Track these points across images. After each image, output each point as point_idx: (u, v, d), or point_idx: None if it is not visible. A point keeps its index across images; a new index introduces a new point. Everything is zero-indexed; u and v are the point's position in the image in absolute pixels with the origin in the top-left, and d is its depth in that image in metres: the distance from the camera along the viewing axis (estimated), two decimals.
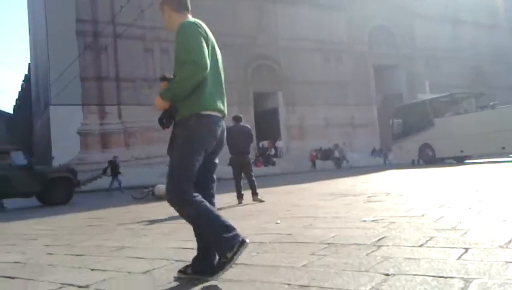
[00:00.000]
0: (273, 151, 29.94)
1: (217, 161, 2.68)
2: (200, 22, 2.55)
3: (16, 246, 4.68)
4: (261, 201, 7.60)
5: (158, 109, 2.52)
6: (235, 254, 2.32)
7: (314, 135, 31.38)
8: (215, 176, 2.69)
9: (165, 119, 2.49)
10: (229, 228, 2.37)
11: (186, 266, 2.58)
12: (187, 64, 2.36)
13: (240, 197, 7.80)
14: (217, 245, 2.38)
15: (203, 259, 2.52)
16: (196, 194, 2.41)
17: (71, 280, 2.62)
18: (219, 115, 2.54)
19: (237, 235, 2.36)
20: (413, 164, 21.12)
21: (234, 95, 28.80)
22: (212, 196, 2.65)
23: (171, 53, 27.38)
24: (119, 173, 18.80)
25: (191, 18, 2.62)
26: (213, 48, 2.56)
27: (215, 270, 2.39)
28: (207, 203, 2.43)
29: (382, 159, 29.16)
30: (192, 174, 2.42)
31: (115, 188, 18.22)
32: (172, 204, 2.42)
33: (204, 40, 2.46)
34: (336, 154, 28.58)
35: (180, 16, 2.63)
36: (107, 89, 25.38)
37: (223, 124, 2.61)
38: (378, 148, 31.74)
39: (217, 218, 2.40)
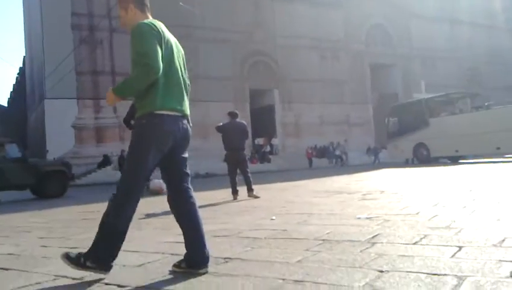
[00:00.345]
0: (268, 149, 29.94)
1: (185, 155, 2.73)
2: (156, 22, 2.57)
3: (9, 238, 4.67)
4: (256, 197, 7.61)
5: (109, 103, 2.62)
6: (92, 268, 2.45)
7: (309, 133, 31.42)
8: (188, 170, 2.74)
9: (131, 120, 2.57)
10: (114, 254, 2.50)
11: (181, 261, 2.60)
12: (139, 66, 2.41)
13: (235, 193, 7.80)
14: (95, 250, 2.47)
15: (194, 254, 2.55)
16: (131, 204, 2.52)
17: (65, 272, 2.61)
18: (176, 114, 2.56)
19: (109, 264, 2.49)
20: (407, 163, 21.20)
21: (230, 91, 28.82)
22: (188, 189, 2.71)
23: None
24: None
25: (149, 18, 2.65)
26: (171, 49, 2.58)
27: (73, 258, 2.49)
28: (129, 222, 2.55)
29: (372, 158, 28.95)
30: (141, 174, 2.51)
31: None
32: (108, 206, 2.52)
33: (159, 41, 2.48)
34: (337, 152, 28.50)
35: (143, 15, 2.66)
36: (102, 82, 25.23)
37: (185, 122, 2.64)
38: (372, 146, 31.82)
39: (119, 239, 2.51)
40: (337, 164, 28.07)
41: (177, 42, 2.74)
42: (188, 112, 2.69)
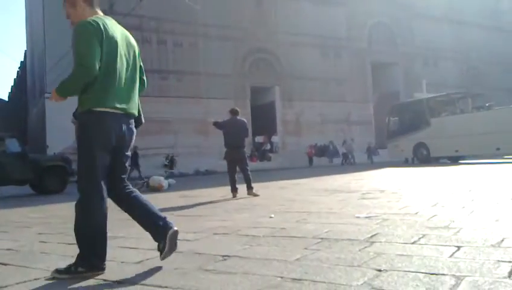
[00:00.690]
0: (268, 146, 29.92)
1: (128, 153, 2.74)
2: (100, 19, 2.53)
3: (8, 233, 4.67)
4: (255, 195, 7.61)
5: (52, 100, 2.70)
6: (85, 272, 2.46)
7: (310, 131, 31.38)
8: (127, 165, 2.78)
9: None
10: (101, 254, 2.54)
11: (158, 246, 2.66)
12: (75, 66, 2.42)
13: (234, 190, 7.79)
14: (82, 255, 2.50)
15: (157, 230, 2.65)
16: (99, 201, 2.52)
17: (63, 267, 2.62)
18: (117, 112, 2.54)
19: (101, 266, 2.52)
20: (406, 163, 21.20)
21: (231, 88, 28.78)
22: (126, 184, 2.75)
23: (169, 44, 27.34)
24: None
25: (99, 14, 2.63)
26: (115, 46, 2.54)
27: (64, 270, 2.49)
28: (104, 221, 2.57)
29: (369, 158, 28.45)
30: (94, 173, 2.51)
31: (135, 177, 18.06)
32: (76, 210, 2.53)
33: (100, 40, 2.45)
34: (344, 150, 28.39)
35: (92, 10, 2.63)
36: None
37: (128, 121, 2.64)
38: (372, 145, 31.76)
39: (100, 239, 2.54)
40: (345, 163, 27.64)
41: (129, 37, 2.71)
42: (133, 110, 2.66)
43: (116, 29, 2.60)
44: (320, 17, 32.24)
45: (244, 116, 9.27)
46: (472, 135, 17.28)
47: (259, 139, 29.86)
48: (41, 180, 12.14)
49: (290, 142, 31.08)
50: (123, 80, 2.59)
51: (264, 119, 30.42)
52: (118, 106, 2.55)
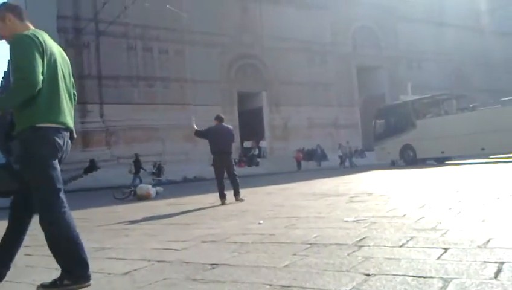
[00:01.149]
0: (256, 152, 29.92)
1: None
2: (38, 33, 2.51)
3: None
4: (241, 200, 7.60)
5: None
6: (71, 285, 2.41)
7: (298, 136, 31.49)
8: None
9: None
10: (83, 264, 2.48)
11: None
12: (16, 80, 2.37)
13: (222, 197, 7.73)
14: (64, 268, 2.46)
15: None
16: (64, 211, 2.51)
17: (49, 281, 2.57)
18: (59, 126, 2.53)
19: (86, 276, 2.47)
20: (393, 165, 21.35)
21: (218, 94, 28.77)
22: (33, 207, 2.67)
23: (154, 51, 27.25)
24: (143, 169, 18.96)
25: (30, 27, 2.59)
26: (55, 60, 2.54)
27: (49, 284, 2.44)
28: (71, 229, 2.50)
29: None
30: (51, 186, 2.49)
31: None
32: (44, 226, 2.48)
33: (40, 53, 2.42)
34: (340, 153, 28.39)
35: (22, 24, 2.59)
36: (88, 86, 25.01)
37: (67, 135, 2.62)
38: (360, 148, 31.91)
39: (76, 248, 2.48)
40: (341, 166, 27.50)
41: (63, 52, 2.70)
42: (71, 124, 2.65)
43: (53, 44, 2.59)
44: (305, 22, 32.46)
45: (232, 122, 9.28)
46: (457, 136, 17.48)
47: (247, 144, 29.86)
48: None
49: (277, 147, 31.15)
50: (65, 94, 2.59)
51: (251, 124, 30.47)
52: (61, 120, 2.54)
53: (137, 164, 19.15)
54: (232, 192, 7.80)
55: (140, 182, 18.28)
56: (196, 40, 28.01)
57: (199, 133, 8.17)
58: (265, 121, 31.38)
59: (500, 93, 27.44)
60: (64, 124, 2.56)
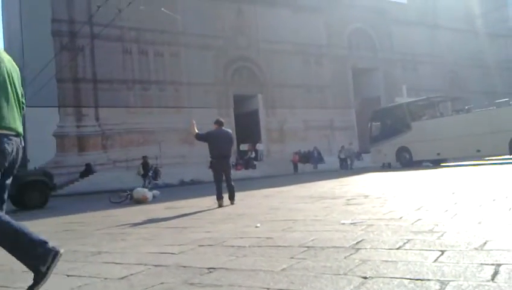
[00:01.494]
0: (253, 154, 29.91)
1: (10, 180, 2.73)
2: None
3: None
4: (232, 203, 7.77)
5: None
6: (48, 267, 2.40)
7: (294, 138, 31.50)
8: (8, 182, 2.73)
9: None
10: (40, 243, 2.45)
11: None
12: None
13: (220, 199, 7.77)
14: (29, 262, 2.45)
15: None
16: (1, 213, 2.49)
17: (46, 286, 2.55)
18: (10, 133, 2.54)
19: (49, 249, 2.44)
20: (383, 167, 21.42)
21: (214, 97, 28.76)
22: (4, 202, 2.70)
23: (149, 54, 27.21)
24: (152, 171, 19.32)
25: None
26: (4, 68, 2.55)
27: (32, 286, 2.41)
28: (13, 223, 2.49)
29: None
30: None
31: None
32: None
33: None
34: (342, 155, 28.41)
35: None
36: (84, 90, 24.96)
37: (19, 141, 2.63)
38: (356, 150, 31.97)
39: (25, 235, 2.46)
40: (344, 167, 27.54)
41: (12, 60, 2.72)
42: (21, 130, 2.67)
43: (1, 51, 2.61)
44: (300, 24, 32.52)
45: (229, 125, 9.29)
46: (453, 138, 17.56)
47: (243, 147, 29.85)
48: (22, 195, 11.91)
49: (274, 149, 31.15)
50: (15, 101, 2.61)
51: (248, 127, 30.46)
52: (13, 126, 2.55)
53: (146, 166, 19.41)
54: (227, 195, 7.85)
55: (150, 182, 18.42)
56: (191, 42, 28.01)
57: (200, 136, 8.18)
58: (261, 123, 31.38)
59: (495, 95, 27.58)
60: (15, 130, 2.57)
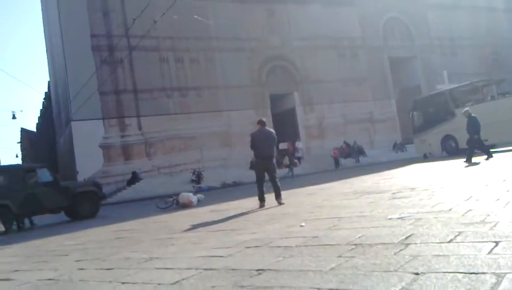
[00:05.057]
0: (300, 153, 29.86)
1: None
2: None
3: (47, 262, 4.79)
4: (281, 204, 7.62)
5: None
6: None
7: (333, 133, 31.16)
8: None
9: None
10: None
11: None
12: None
13: (262, 200, 7.80)
14: None
15: None
16: None
17: None
18: None
19: None
20: (425, 158, 20.77)
21: (250, 98, 28.90)
22: None
23: (185, 61, 27.70)
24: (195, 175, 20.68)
25: None
26: None
27: None
28: None
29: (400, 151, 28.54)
30: None
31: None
32: None
33: None
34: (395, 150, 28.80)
35: None
36: (125, 101, 25.76)
37: None
38: (399, 142, 31.32)
39: None
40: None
41: None
42: None
43: None
44: (333, 19, 32.12)
45: (267, 125, 9.25)
46: (500, 122, 16.80)
47: (283, 146, 29.80)
48: (74, 206, 12.42)
49: (313, 146, 30.93)
50: None
51: (285, 125, 30.37)
52: None
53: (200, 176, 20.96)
54: (273, 195, 7.84)
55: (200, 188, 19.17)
56: (225, 46, 28.30)
57: (251, 146, 8.22)
58: (299, 121, 31.23)
59: None
60: None
